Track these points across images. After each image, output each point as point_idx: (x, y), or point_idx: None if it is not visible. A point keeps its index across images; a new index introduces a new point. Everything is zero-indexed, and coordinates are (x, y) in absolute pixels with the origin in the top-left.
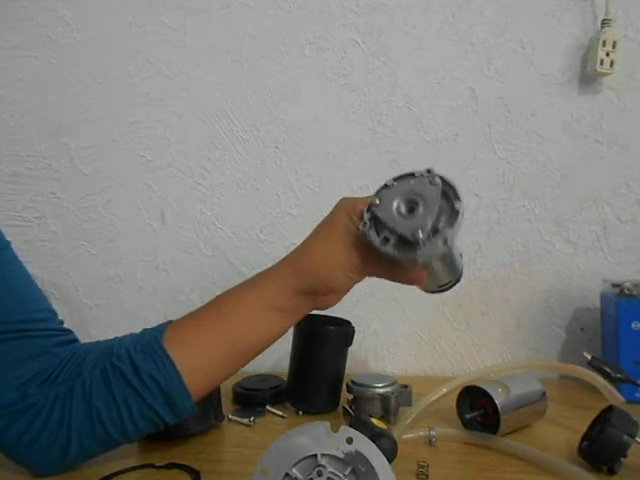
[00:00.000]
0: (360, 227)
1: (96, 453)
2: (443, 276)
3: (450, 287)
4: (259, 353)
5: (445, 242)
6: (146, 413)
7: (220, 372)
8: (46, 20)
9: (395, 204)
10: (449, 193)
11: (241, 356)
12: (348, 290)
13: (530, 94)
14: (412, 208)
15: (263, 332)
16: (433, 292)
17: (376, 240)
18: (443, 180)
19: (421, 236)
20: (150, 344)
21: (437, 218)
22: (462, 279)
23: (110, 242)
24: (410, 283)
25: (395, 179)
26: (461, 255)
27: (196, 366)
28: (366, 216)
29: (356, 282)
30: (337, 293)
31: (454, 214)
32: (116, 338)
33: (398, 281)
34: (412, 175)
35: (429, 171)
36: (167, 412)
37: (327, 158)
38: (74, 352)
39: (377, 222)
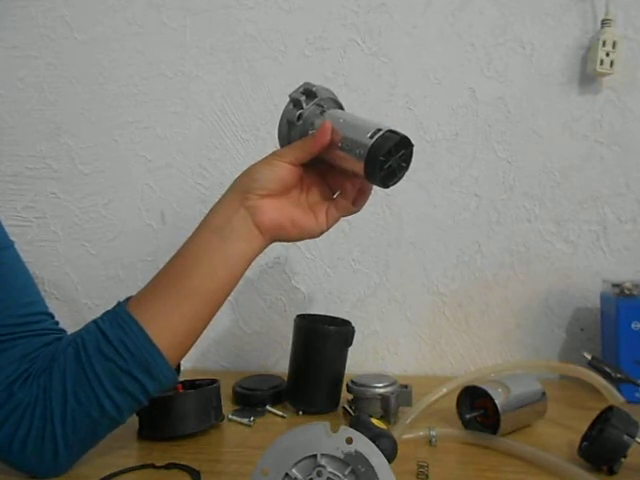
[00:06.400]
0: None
1: (86, 445)
2: (361, 124)
3: (392, 138)
4: (218, 299)
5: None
6: (118, 382)
7: (188, 326)
8: (46, 20)
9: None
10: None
11: (199, 302)
12: (276, 181)
13: (530, 94)
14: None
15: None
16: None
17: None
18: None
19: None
20: (116, 312)
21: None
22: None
23: (110, 242)
24: (323, 140)
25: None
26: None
27: (161, 326)
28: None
29: (280, 169)
30: (261, 182)
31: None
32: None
33: (312, 148)
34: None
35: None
36: (143, 375)
37: None
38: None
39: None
